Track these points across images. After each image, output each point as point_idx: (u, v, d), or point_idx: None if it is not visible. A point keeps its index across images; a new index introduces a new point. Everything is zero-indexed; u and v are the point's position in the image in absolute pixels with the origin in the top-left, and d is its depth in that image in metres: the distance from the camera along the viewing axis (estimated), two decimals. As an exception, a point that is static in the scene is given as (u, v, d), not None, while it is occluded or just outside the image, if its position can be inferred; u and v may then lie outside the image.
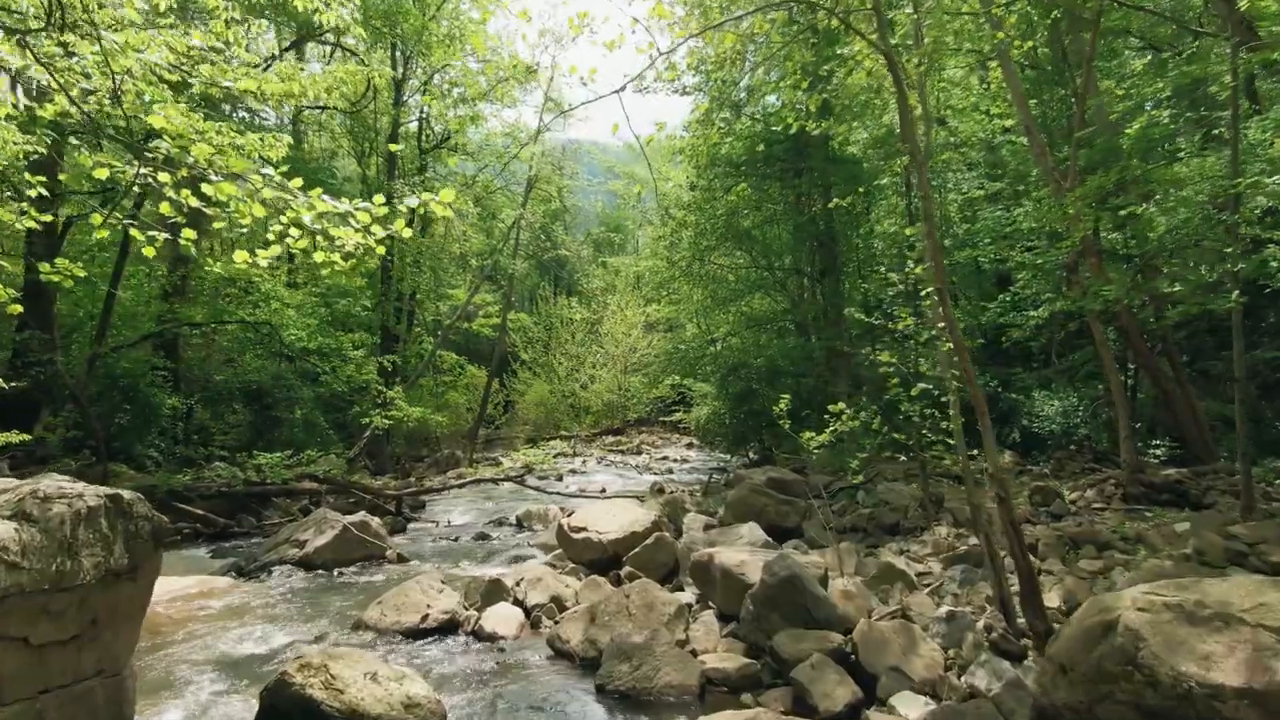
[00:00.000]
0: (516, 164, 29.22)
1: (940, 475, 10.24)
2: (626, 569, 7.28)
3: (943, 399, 6.06)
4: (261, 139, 4.86)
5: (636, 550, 7.51)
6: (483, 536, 12.00)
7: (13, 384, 9.20)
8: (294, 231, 3.71)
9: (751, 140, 14.75)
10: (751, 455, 20.89)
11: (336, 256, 3.80)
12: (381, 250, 3.88)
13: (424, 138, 26.71)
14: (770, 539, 7.61)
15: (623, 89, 5.32)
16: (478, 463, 23.48)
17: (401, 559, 9.12)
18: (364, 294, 24.09)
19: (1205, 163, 8.77)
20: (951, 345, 5.19)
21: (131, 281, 15.77)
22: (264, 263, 3.79)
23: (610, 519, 8.01)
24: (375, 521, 9.28)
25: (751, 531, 7.42)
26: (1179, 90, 11.36)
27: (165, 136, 3.89)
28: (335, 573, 8.40)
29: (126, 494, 4.09)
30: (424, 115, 26.44)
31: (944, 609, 5.45)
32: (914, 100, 6.53)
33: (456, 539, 11.93)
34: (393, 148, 19.11)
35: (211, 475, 12.16)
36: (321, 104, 19.53)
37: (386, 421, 15.82)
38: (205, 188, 3.72)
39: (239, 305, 15.24)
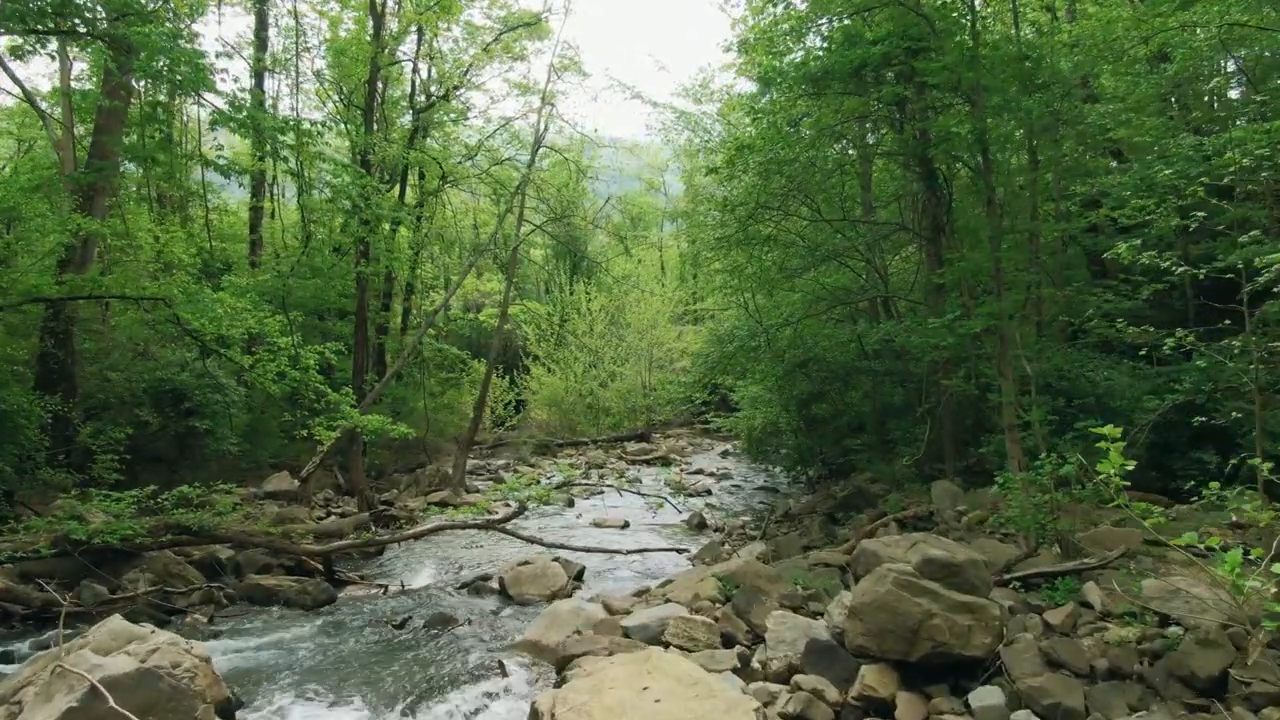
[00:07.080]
0: (526, 133, 24.75)
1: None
2: None
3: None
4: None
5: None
6: (442, 621, 7.71)
7: None
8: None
9: (842, 39, 10.08)
10: (810, 473, 16.28)
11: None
12: None
13: (418, 95, 22.12)
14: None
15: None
16: (472, 477, 19.03)
17: (228, 740, 4.57)
18: (339, 276, 19.64)
19: None
20: None
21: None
22: None
23: (647, 712, 3.40)
24: (185, 662, 4.62)
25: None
26: None
27: None
28: (45, 807, 3.88)
29: None
30: (415, 64, 21.97)
31: None
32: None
33: (402, 624, 7.82)
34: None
35: (22, 529, 7.75)
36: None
37: (331, 432, 11.47)
38: None
39: (123, 273, 10.85)
